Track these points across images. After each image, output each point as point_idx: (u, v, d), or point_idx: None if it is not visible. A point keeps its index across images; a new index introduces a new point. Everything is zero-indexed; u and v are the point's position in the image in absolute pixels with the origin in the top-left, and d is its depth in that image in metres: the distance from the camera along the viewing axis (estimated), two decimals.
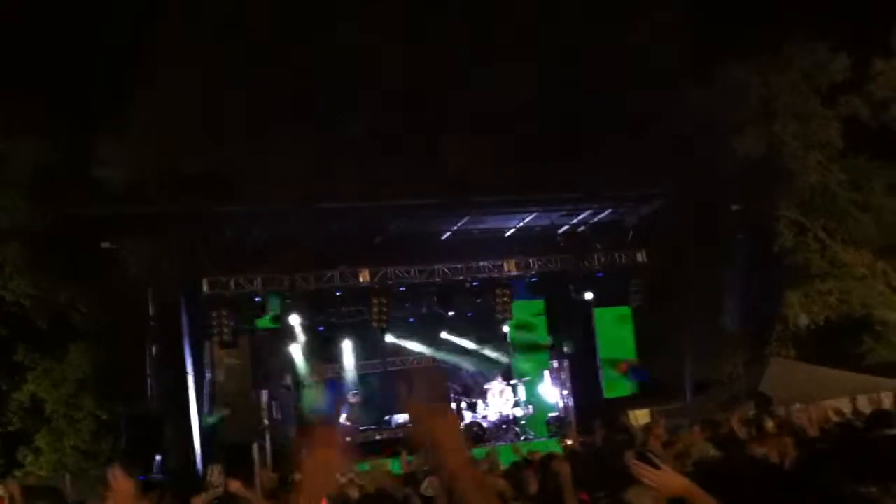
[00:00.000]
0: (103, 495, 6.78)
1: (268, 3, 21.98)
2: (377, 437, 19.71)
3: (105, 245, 19.47)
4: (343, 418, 19.55)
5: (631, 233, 21.53)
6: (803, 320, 23.23)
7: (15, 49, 20.84)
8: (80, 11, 21.36)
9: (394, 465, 11.45)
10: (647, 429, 13.86)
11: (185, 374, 19.24)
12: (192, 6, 21.22)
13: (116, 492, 3.53)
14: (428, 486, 8.41)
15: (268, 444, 19.31)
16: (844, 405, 14.64)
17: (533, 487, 7.06)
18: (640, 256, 21.30)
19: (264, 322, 19.83)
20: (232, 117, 21.60)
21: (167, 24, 20.80)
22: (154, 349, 19.76)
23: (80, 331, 21.64)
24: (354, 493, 8.48)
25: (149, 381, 19.44)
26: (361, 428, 20.25)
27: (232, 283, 19.01)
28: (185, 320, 19.50)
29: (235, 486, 8.67)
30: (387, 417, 20.57)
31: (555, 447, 16.28)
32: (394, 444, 17.11)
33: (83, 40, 21.47)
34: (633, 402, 20.70)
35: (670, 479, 3.62)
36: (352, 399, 20.66)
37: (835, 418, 11.20)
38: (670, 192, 21.43)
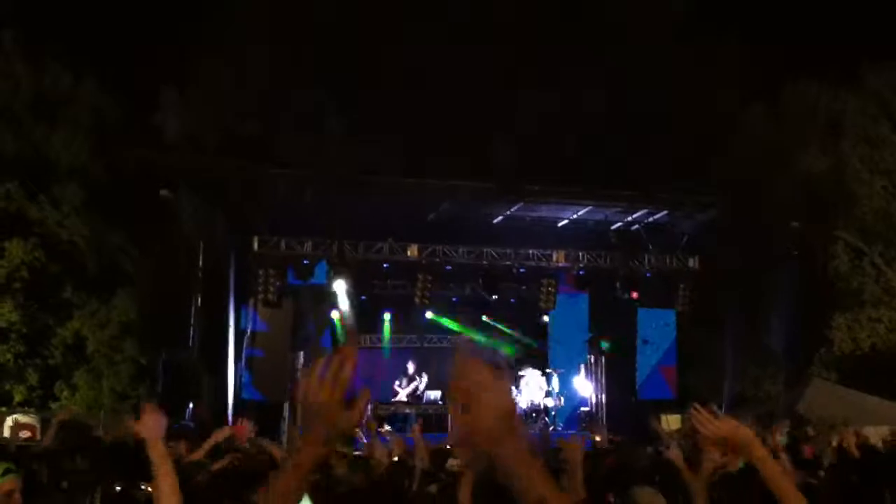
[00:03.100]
0: (130, 424, 6.86)
1: None
2: (407, 412, 19.80)
3: (163, 193, 19.71)
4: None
5: (685, 238, 21.30)
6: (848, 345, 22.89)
7: None
8: None
9: None
10: (680, 434, 13.78)
11: (226, 328, 19.47)
12: None
13: (147, 424, 3.45)
14: (454, 464, 8.39)
15: (299, 406, 19.47)
16: (883, 433, 14.37)
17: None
18: (692, 262, 21.09)
19: (308, 287, 19.99)
20: (292, 82, 21.85)
21: None
22: (199, 301, 20.00)
23: (129, 276, 21.93)
24: (384, 459, 8.49)
25: (191, 331, 19.69)
26: (393, 400, 20.42)
27: (282, 244, 19.19)
28: (232, 276, 19.73)
29: (264, 442, 8.71)
30: (419, 393, 20.64)
31: None
32: (426, 420, 17.15)
33: None
34: (667, 407, 20.50)
35: (732, 427, 3.21)
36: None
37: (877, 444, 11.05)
38: (729, 202, 21.15)
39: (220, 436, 7.05)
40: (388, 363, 21.41)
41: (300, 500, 1.92)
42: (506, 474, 1.76)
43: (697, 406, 3.30)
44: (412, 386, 20.54)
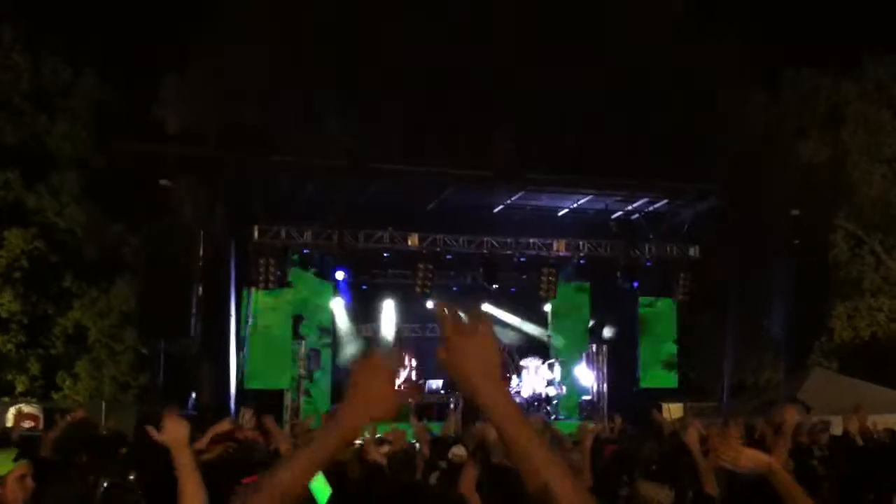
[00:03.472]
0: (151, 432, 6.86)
1: None
2: (409, 401, 19.78)
3: (163, 182, 19.68)
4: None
5: (686, 226, 21.30)
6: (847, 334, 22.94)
7: None
8: None
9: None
10: (680, 424, 13.79)
11: (227, 317, 19.46)
12: None
13: (170, 432, 3.51)
14: (455, 454, 8.41)
15: (301, 395, 19.53)
16: (888, 421, 14.39)
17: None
18: (693, 251, 21.08)
19: (309, 276, 20.00)
20: (292, 74, 21.80)
21: None
22: (200, 290, 19.99)
23: (129, 265, 21.94)
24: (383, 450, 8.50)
25: (192, 320, 19.67)
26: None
27: (282, 233, 19.18)
28: (232, 265, 19.70)
29: (269, 419, 8.73)
30: (421, 382, 20.64)
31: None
32: (427, 409, 17.18)
33: None
34: (668, 395, 20.53)
35: (752, 455, 3.31)
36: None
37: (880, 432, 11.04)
38: (729, 191, 21.15)
39: (219, 429, 7.00)
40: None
41: (314, 476, 1.91)
42: (510, 453, 1.79)
43: (722, 431, 3.31)
44: (403, 375, 20.22)
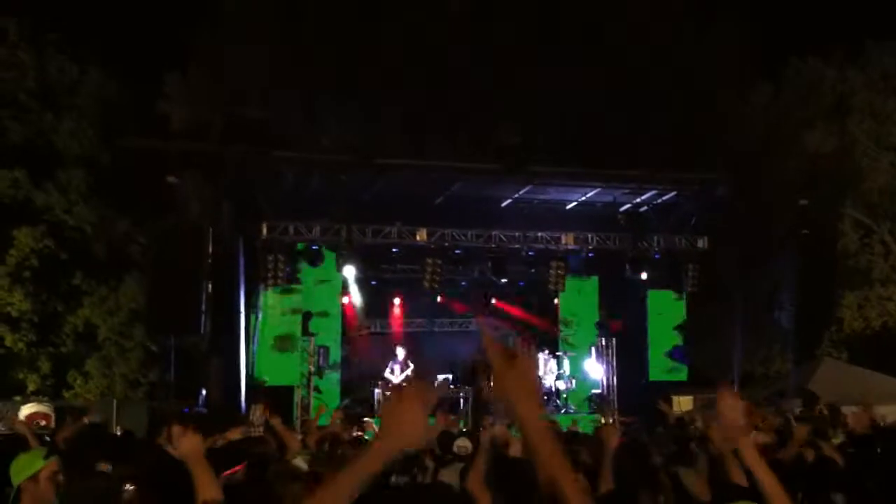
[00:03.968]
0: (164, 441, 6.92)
1: None
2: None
3: (170, 179, 19.70)
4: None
5: (694, 218, 21.25)
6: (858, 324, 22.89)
7: None
8: None
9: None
10: (689, 416, 13.78)
11: (237, 313, 19.49)
12: None
13: (184, 446, 3.72)
14: (460, 446, 8.42)
15: (311, 391, 19.58)
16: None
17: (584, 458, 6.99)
18: (701, 243, 21.03)
19: (317, 272, 20.00)
20: (295, 70, 21.82)
21: None
22: (209, 287, 20.02)
23: (137, 262, 21.99)
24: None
25: (202, 317, 19.70)
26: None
27: (291, 229, 19.18)
28: (241, 261, 19.73)
29: (276, 421, 8.73)
30: (431, 378, 20.63)
31: (586, 427, 16.28)
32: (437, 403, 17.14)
33: None
34: (678, 388, 20.52)
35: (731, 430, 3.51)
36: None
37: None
38: (737, 182, 21.09)
39: (230, 436, 7.03)
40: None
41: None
42: (526, 446, 2.10)
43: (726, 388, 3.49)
44: (405, 374, 19.93)
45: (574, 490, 2.01)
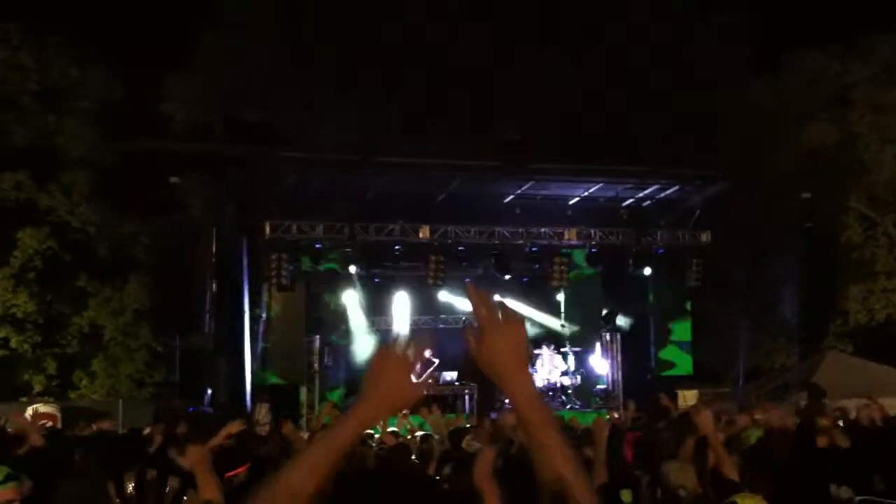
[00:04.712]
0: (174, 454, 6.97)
1: None
2: (424, 393, 19.78)
3: (174, 180, 19.76)
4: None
5: (697, 212, 21.23)
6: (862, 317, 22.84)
7: None
8: None
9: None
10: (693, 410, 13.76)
11: (241, 313, 19.56)
12: None
13: (191, 457, 3.94)
14: (469, 443, 8.43)
15: (316, 389, 19.61)
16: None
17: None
18: (704, 237, 21.00)
19: (324, 265, 20.05)
20: (296, 71, 21.87)
21: None
22: (214, 286, 20.08)
23: (141, 263, 22.05)
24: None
25: (206, 317, 19.77)
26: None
27: (294, 228, 19.19)
28: (245, 261, 19.79)
29: (288, 429, 8.71)
30: (435, 373, 20.62)
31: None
32: (441, 401, 17.18)
33: None
34: (683, 382, 20.52)
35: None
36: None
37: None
38: (740, 175, 21.07)
39: (231, 429, 7.04)
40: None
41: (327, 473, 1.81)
42: (529, 442, 1.90)
43: None
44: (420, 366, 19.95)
45: (571, 466, 1.85)
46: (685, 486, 5.28)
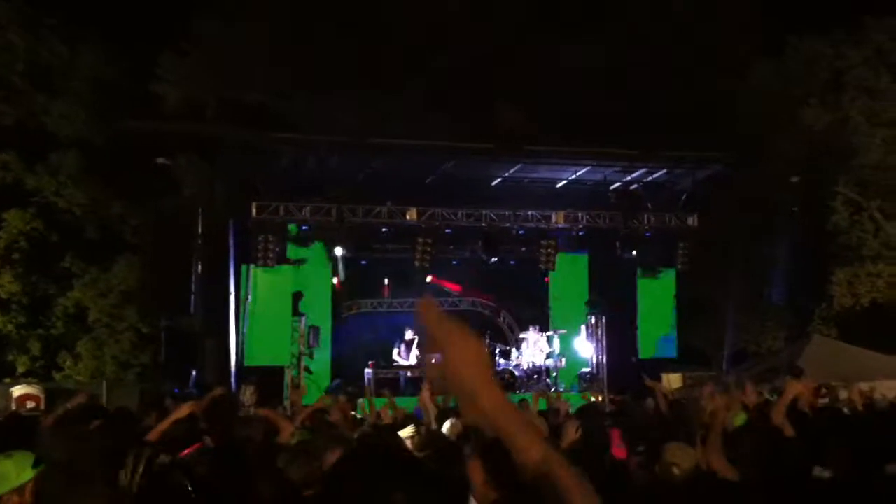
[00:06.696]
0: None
1: None
2: (409, 376, 19.82)
3: (161, 161, 19.67)
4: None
5: (684, 196, 21.24)
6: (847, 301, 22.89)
7: None
8: None
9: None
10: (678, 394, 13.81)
11: (227, 294, 19.50)
12: None
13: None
14: (450, 428, 8.36)
15: (301, 370, 19.60)
16: (886, 388, 14.40)
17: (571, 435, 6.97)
18: (691, 220, 21.02)
19: (306, 252, 20.01)
20: (291, 51, 21.73)
21: None
22: (199, 268, 20.02)
23: (128, 244, 21.98)
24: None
25: (192, 297, 19.73)
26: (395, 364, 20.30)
27: (281, 210, 19.13)
28: (231, 242, 19.73)
29: (266, 411, 8.65)
30: (418, 355, 20.64)
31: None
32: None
33: None
34: (668, 366, 20.56)
35: None
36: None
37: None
38: (728, 159, 21.08)
39: (178, 415, 6.91)
40: (388, 327, 21.30)
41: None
42: (501, 437, 1.83)
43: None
44: (412, 353, 19.95)
45: (565, 469, 1.79)
46: (678, 464, 5.28)
